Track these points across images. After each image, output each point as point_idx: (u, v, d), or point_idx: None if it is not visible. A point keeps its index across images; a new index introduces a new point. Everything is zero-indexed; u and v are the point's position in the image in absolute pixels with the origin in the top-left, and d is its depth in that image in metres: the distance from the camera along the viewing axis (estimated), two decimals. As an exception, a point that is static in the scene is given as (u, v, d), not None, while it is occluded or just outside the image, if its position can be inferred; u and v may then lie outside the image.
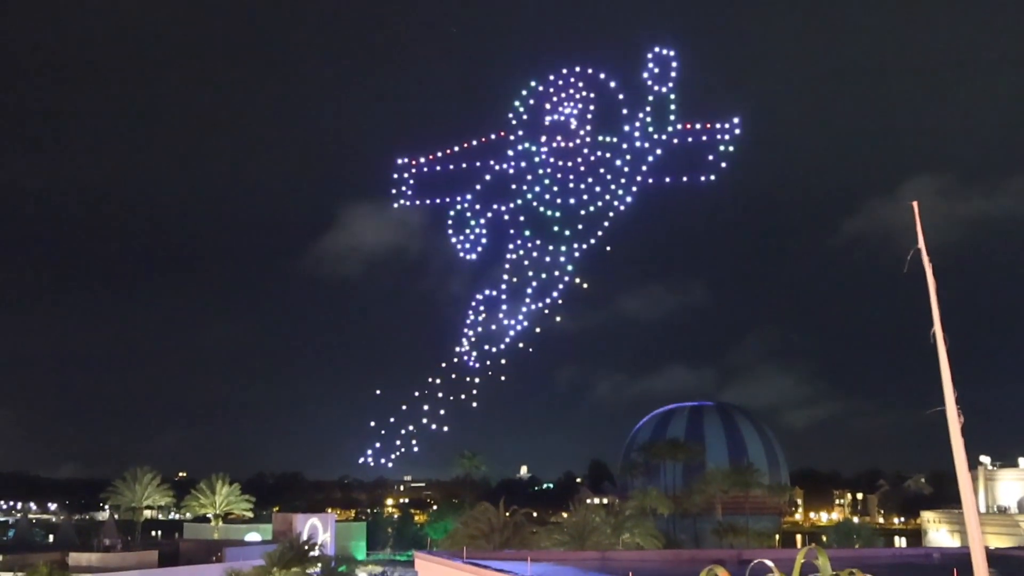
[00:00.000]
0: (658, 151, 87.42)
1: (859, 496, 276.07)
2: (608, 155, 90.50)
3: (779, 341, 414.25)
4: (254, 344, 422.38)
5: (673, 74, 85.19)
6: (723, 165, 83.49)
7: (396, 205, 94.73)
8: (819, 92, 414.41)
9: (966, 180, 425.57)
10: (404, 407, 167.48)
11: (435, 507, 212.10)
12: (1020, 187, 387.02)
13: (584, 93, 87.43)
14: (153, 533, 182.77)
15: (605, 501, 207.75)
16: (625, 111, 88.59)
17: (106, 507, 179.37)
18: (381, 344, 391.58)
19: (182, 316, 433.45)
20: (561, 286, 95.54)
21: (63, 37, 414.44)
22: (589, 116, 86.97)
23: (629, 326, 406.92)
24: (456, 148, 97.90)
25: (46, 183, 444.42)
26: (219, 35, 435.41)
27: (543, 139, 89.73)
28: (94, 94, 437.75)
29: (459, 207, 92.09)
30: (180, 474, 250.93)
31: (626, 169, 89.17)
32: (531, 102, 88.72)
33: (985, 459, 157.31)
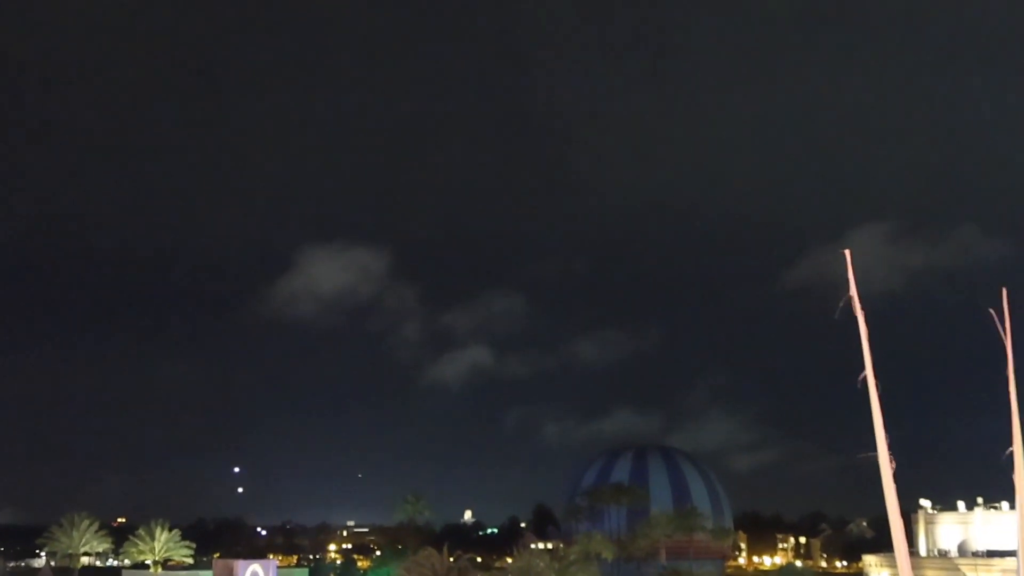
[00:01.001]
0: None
1: (802, 540, 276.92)
2: None
3: (726, 386, 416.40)
4: (196, 387, 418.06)
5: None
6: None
7: None
8: (770, 138, 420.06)
9: (912, 228, 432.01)
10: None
11: (378, 552, 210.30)
12: (963, 237, 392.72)
13: None
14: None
15: (550, 546, 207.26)
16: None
17: (42, 554, 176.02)
18: (326, 387, 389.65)
19: (123, 359, 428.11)
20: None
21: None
22: None
23: (580, 369, 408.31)
24: None
25: None
26: (178, 72, 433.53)
27: None
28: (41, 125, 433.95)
29: None
30: (119, 520, 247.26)
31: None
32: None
33: (926, 503, 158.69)
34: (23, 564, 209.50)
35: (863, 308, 13.48)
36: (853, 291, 13.86)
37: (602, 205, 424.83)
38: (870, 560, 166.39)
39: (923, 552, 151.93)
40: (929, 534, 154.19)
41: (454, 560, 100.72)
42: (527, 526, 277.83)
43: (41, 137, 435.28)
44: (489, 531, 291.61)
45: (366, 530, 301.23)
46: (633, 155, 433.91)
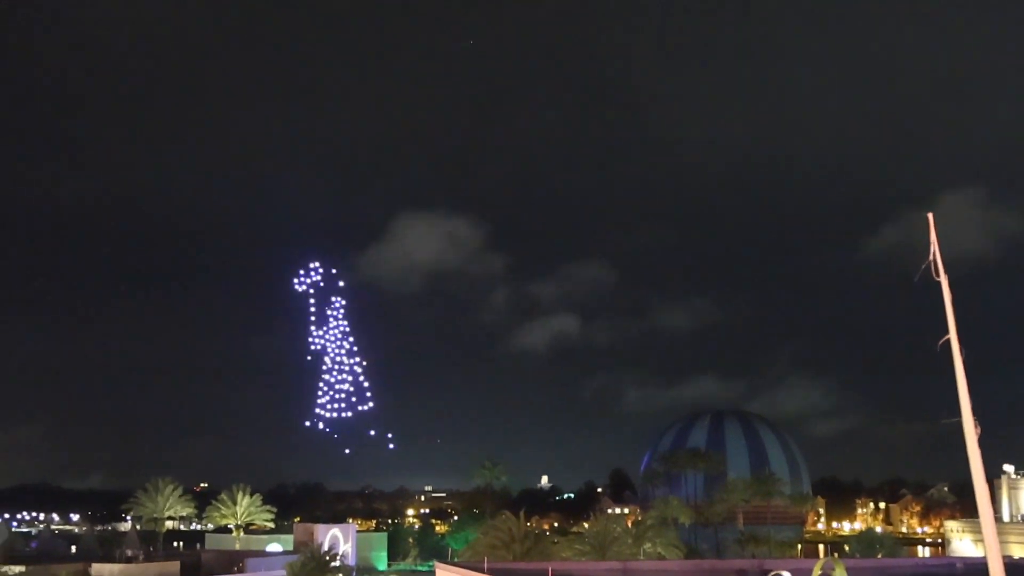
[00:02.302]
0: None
1: (882, 505, 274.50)
2: None
3: (808, 352, 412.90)
4: (279, 355, 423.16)
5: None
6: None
7: None
8: (853, 104, 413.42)
9: (1005, 192, 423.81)
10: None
11: (456, 517, 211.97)
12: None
13: None
14: (175, 544, 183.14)
15: (627, 511, 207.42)
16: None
17: (128, 518, 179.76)
18: (409, 353, 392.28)
19: (207, 327, 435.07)
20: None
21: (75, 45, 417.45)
22: None
23: (664, 337, 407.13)
24: None
25: (70, 195, 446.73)
26: (264, 46, 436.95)
27: None
28: (101, 103, 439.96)
29: None
30: (202, 484, 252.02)
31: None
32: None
33: (1008, 468, 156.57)
34: (109, 528, 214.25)
35: (947, 272, 13.26)
36: (935, 255, 13.61)
37: (684, 171, 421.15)
38: (952, 525, 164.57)
39: (1006, 517, 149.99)
40: (1012, 499, 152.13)
41: (531, 524, 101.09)
42: (603, 491, 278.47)
43: (126, 115, 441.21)
44: (566, 496, 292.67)
45: (443, 495, 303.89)
46: (712, 119, 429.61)
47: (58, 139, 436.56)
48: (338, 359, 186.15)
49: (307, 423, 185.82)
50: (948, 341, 13.75)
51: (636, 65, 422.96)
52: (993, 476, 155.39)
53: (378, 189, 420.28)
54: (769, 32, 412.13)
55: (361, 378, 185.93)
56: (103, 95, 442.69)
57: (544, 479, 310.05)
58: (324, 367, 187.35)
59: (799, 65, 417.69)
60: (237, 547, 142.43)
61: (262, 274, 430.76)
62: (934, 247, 12.37)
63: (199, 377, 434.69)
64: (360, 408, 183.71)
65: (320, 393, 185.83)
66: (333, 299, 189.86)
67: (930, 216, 13.59)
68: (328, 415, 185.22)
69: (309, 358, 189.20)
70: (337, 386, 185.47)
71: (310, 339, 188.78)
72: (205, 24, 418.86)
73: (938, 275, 12.55)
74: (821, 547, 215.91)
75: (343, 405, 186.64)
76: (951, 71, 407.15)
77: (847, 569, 27.39)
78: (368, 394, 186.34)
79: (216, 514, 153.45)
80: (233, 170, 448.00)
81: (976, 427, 12.76)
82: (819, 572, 11.66)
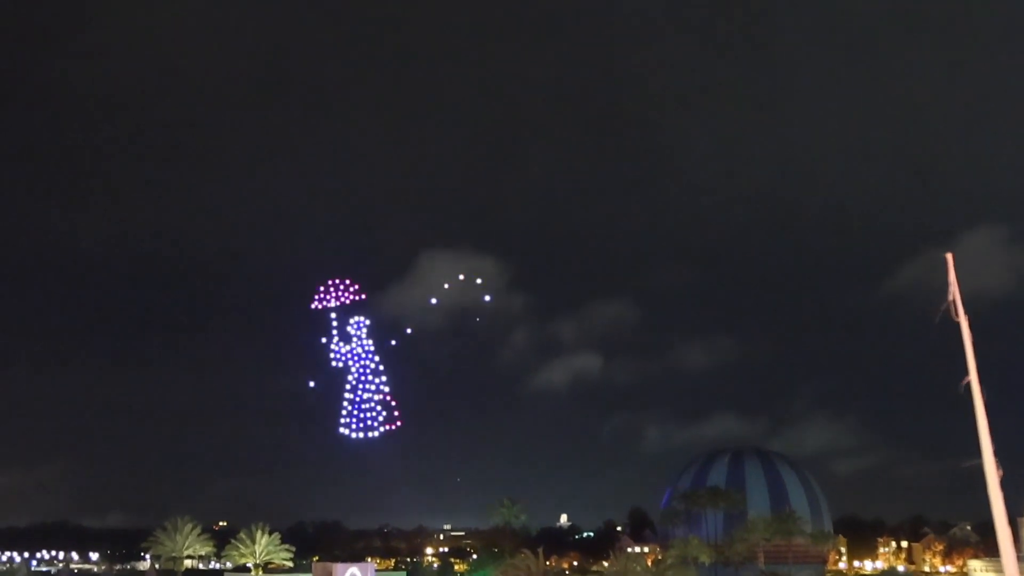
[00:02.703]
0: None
1: (904, 544, 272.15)
2: None
3: (829, 391, 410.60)
4: (298, 394, 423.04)
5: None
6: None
7: None
8: (873, 141, 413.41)
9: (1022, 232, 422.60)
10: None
11: (475, 556, 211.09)
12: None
13: None
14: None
15: (646, 550, 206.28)
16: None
17: (147, 556, 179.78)
18: (428, 392, 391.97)
19: (227, 366, 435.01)
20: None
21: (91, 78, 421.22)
22: None
23: (684, 374, 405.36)
24: None
25: (89, 234, 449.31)
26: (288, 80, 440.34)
27: None
28: (122, 146, 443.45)
29: None
30: (221, 523, 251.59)
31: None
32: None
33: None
34: (128, 567, 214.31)
35: (967, 313, 13.27)
36: (955, 295, 13.61)
37: (705, 210, 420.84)
38: (976, 565, 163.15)
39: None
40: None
41: (551, 564, 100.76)
42: (623, 530, 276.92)
43: (152, 150, 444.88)
44: (585, 535, 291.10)
45: (462, 534, 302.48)
46: (732, 158, 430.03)
47: (81, 183, 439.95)
48: (363, 377, 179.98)
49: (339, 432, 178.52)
50: (969, 383, 13.72)
51: (656, 104, 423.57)
52: (1017, 514, 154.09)
53: (400, 227, 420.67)
54: (788, 70, 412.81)
55: (388, 398, 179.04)
56: (125, 137, 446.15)
57: (563, 518, 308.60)
58: (348, 385, 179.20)
59: (818, 102, 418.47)
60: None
61: (282, 313, 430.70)
62: (953, 288, 12.38)
63: (219, 416, 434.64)
64: (387, 427, 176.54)
65: (345, 412, 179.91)
66: (356, 319, 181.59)
67: (949, 257, 13.60)
68: (353, 434, 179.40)
69: (335, 364, 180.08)
70: (363, 404, 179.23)
71: (332, 355, 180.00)
72: (230, 64, 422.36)
73: (957, 316, 12.57)
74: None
75: (370, 422, 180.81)
76: (970, 107, 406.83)
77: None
78: (396, 412, 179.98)
79: (235, 553, 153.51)
80: (255, 211, 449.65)
81: (999, 469, 12.73)
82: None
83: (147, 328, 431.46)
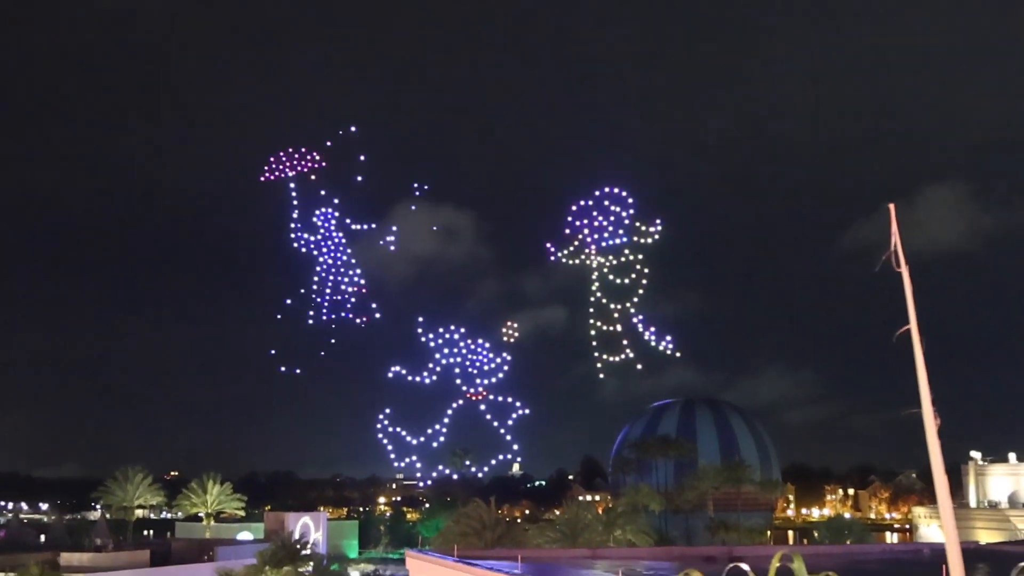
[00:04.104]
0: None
1: (851, 491, 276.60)
2: None
3: (784, 345, 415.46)
4: (247, 343, 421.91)
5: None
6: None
7: None
8: (835, 97, 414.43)
9: (980, 190, 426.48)
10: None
11: (427, 505, 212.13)
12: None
13: None
14: (145, 532, 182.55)
15: (597, 498, 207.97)
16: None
17: (98, 507, 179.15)
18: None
19: (176, 317, 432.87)
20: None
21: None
22: None
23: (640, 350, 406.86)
24: None
25: (43, 183, 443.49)
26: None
27: None
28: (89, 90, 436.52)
29: None
30: (172, 473, 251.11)
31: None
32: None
33: (976, 454, 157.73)
34: (79, 517, 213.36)
35: (910, 263, 13.35)
36: (897, 245, 13.68)
37: (667, 167, 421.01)
38: (920, 511, 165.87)
39: (973, 503, 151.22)
40: (979, 485, 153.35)
41: (502, 513, 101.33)
42: (575, 479, 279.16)
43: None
44: (537, 483, 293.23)
45: (415, 483, 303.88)
46: (696, 113, 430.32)
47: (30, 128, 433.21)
48: (334, 267, 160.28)
49: (310, 319, 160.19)
50: (905, 332, 13.82)
51: (618, 61, 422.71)
52: (961, 462, 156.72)
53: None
54: (749, 24, 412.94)
55: (363, 290, 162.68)
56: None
57: (516, 467, 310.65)
58: (319, 269, 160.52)
59: (779, 59, 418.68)
60: (207, 535, 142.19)
61: (242, 267, 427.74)
62: (895, 238, 12.46)
63: (172, 367, 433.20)
64: (362, 320, 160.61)
65: (315, 300, 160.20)
66: (323, 210, 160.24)
67: (891, 207, 13.65)
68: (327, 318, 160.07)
69: (299, 245, 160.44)
70: (337, 286, 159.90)
71: (294, 235, 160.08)
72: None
73: (899, 266, 12.65)
74: (791, 533, 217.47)
75: (347, 310, 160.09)
76: (928, 64, 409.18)
77: (813, 556, 27.61)
78: (374, 305, 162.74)
79: (186, 503, 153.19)
80: (213, 166, 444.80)
81: (936, 418, 12.85)
82: (777, 564, 11.77)
83: (101, 280, 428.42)
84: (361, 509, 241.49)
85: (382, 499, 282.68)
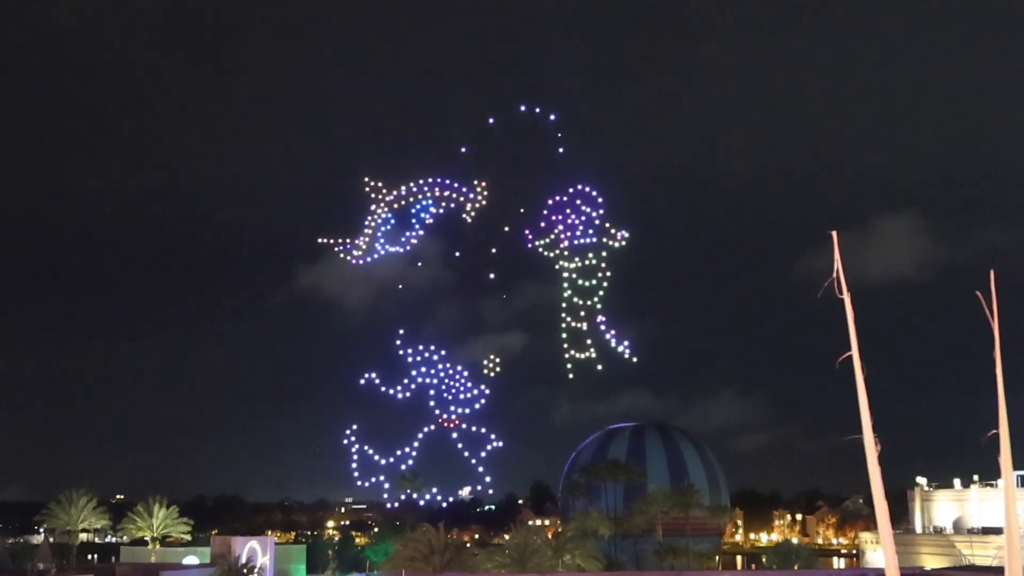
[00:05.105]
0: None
1: (799, 517, 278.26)
2: None
3: (736, 370, 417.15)
4: (196, 365, 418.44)
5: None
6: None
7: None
8: (789, 125, 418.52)
9: (933, 221, 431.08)
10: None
11: (376, 529, 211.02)
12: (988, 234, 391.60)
13: None
14: (89, 556, 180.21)
15: (547, 522, 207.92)
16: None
17: (41, 530, 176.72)
18: (320, 365, 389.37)
19: (122, 337, 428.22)
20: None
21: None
22: None
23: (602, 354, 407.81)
24: None
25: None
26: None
27: None
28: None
29: None
30: (117, 496, 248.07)
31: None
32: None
33: (922, 480, 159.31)
34: (22, 540, 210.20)
35: (850, 291, 13.54)
36: (839, 272, 13.87)
37: (622, 194, 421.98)
38: (866, 536, 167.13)
39: (919, 529, 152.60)
40: (925, 511, 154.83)
41: (451, 537, 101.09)
42: (525, 503, 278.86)
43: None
44: (487, 508, 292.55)
45: (364, 507, 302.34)
46: (652, 141, 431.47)
47: None
48: None
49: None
50: (848, 358, 13.99)
51: (570, 90, 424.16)
52: (907, 488, 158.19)
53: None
54: (703, 48, 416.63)
55: None
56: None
57: (465, 490, 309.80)
58: None
59: (732, 88, 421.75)
60: (153, 560, 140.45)
61: (202, 283, 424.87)
62: (837, 265, 12.63)
63: (118, 388, 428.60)
64: None
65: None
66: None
67: (834, 235, 13.84)
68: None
69: None
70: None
71: None
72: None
73: (841, 292, 12.83)
74: (739, 558, 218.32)
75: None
76: (885, 94, 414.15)
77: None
78: None
79: (132, 526, 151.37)
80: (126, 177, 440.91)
81: (877, 444, 13.02)
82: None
83: (43, 301, 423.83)
84: (309, 533, 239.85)
85: (331, 523, 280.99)
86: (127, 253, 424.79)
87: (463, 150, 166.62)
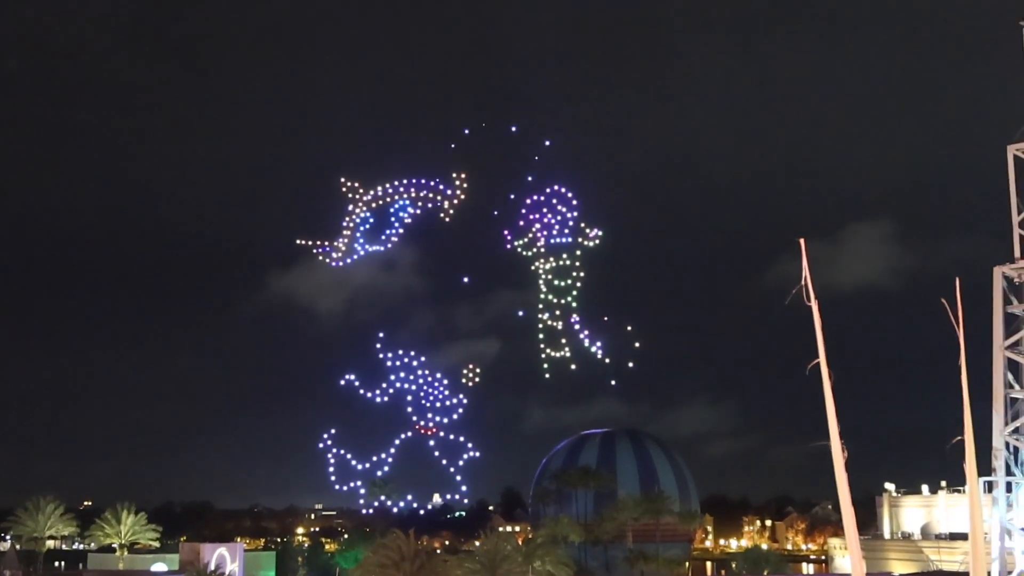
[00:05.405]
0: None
1: (768, 523, 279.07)
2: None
3: (709, 378, 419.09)
4: (165, 372, 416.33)
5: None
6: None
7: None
8: (763, 132, 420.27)
9: (905, 229, 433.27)
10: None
11: (346, 536, 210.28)
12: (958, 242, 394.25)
13: None
14: (56, 564, 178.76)
15: (517, 529, 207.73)
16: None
17: (7, 537, 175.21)
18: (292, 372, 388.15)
19: (90, 344, 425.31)
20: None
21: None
22: None
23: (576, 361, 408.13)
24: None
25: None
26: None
27: None
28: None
29: None
30: (85, 503, 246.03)
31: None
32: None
33: (890, 486, 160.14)
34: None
35: (818, 298, 13.59)
36: (807, 280, 13.95)
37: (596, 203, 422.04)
38: (835, 543, 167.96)
39: (887, 534, 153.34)
40: (893, 517, 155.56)
41: (421, 544, 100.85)
42: (495, 509, 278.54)
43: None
44: (457, 514, 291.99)
45: (334, 513, 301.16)
46: (620, 148, 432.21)
47: None
48: None
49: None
50: (816, 365, 14.07)
51: (545, 95, 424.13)
52: (875, 494, 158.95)
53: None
54: (674, 58, 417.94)
55: None
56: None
57: (435, 497, 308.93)
58: None
59: (704, 96, 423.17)
60: (121, 567, 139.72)
61: (172, 289, 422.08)
62: (805, 272, 12.71)
63: (87, 394, 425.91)
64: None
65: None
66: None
67: (802, 242, 13.90)
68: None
69: None
70: None
71: None
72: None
73: (809, 300, 12.91)
74: (709, 564, 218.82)
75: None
76: (858, 101, 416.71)
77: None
78: None
79: (99, 533, 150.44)
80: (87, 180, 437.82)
81: (844, 450, 13.09)
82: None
83: (11, 307, 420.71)
84: (279, 540, 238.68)
85: (300, 530, 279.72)
86: (98, 261, 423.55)
87: (446, 147, 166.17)
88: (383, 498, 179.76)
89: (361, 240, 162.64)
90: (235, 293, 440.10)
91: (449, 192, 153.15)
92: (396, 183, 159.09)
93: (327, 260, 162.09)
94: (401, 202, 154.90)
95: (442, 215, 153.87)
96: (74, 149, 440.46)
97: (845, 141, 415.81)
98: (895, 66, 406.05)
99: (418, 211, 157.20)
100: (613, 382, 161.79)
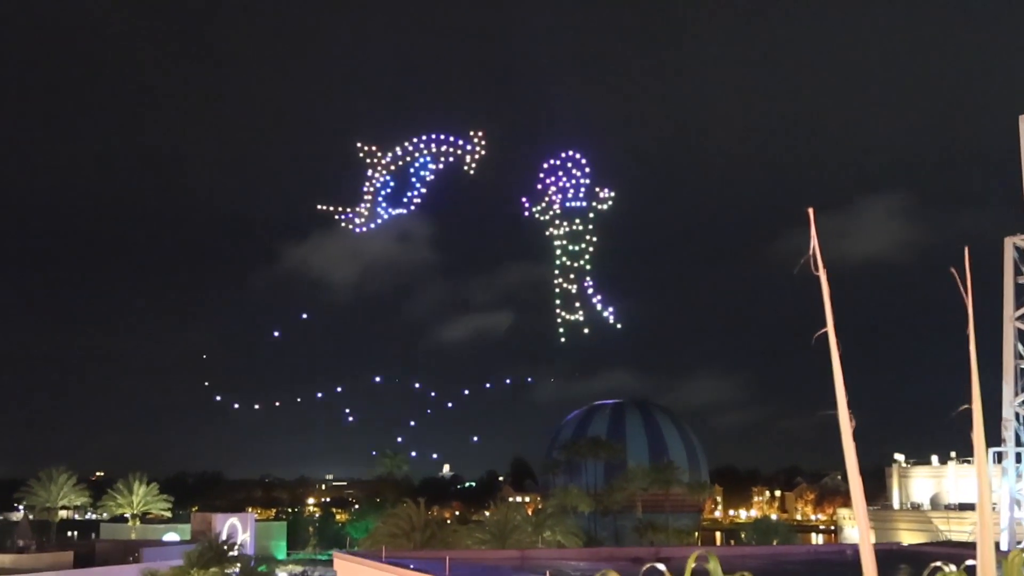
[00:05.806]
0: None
1: (777, 493, 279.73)
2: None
3: (720, 350, 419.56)
4: (176, 343, 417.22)
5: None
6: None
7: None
8: (772, 106, 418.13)
9: (915, 203, 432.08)
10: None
11: (357, 506, 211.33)
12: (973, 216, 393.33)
13: None
14: (69, 533, 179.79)
15: (527, 499, 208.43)
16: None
17: (20, 507, 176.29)
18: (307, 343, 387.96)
19: (103, 316, 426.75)
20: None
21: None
22: None
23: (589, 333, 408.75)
24: None
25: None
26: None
27: None
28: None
29: None
30: (98, 474, 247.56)
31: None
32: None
33: (900, 457, 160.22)
34: (1, 518, 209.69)
35: (827, 268, 13.53)
36: (815, 249, 13.90)
37: (600, 167, 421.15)
38: (844, 513, 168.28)
39: (896, 505, 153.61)
40: (903, 487, 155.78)
41: (432, 514, 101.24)
42: (505, 480, 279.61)
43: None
44: (467, 485, 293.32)
45: (345, 484, 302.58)
46: (632, 122, 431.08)
47: None
48: None
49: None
50: (823, 335, 14.05)
51: (552, 61, 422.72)
52: (885, 464, 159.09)
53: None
54: (684, 29, 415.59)
55: None
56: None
57: (446, 468, 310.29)
58: None
59: (713, 69, 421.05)
60: (133, 536, 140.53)
61: (182, 262, 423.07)
62: (813, 242, 12.62)
63: (99, 366, 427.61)
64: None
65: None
66: None
67: (810, 211, 13.84)
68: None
69: None
70: None
71: None
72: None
73: (817, 269, 12.83)
74: (718, 534, 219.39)
75: None
76: (872, 73, 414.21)
77: (739, 557, 27.98)
78: None
79: (111, 503, 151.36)
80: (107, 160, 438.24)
81: (852, 419, 13.07)
82: (693, 564, 11.85)
83: (26, 279, 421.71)
84: (290, 510, 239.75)
85: (311, 500, 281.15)
86: (108, 234, 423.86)
87: (461, 111, 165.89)
88: (390, 471, 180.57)
89: (383, 203, 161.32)
90: (250, 264, 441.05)
91: (469, 147, 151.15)
92: (415, 140, 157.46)
93: (350, 227, 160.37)
94: (422, 159, 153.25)
95: (466, 168, 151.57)
96: (88, 123, 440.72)
97: (856, 114, 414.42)
98: (906, 36, 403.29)
99: (440, 166, 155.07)
100: (620, 325, 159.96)
